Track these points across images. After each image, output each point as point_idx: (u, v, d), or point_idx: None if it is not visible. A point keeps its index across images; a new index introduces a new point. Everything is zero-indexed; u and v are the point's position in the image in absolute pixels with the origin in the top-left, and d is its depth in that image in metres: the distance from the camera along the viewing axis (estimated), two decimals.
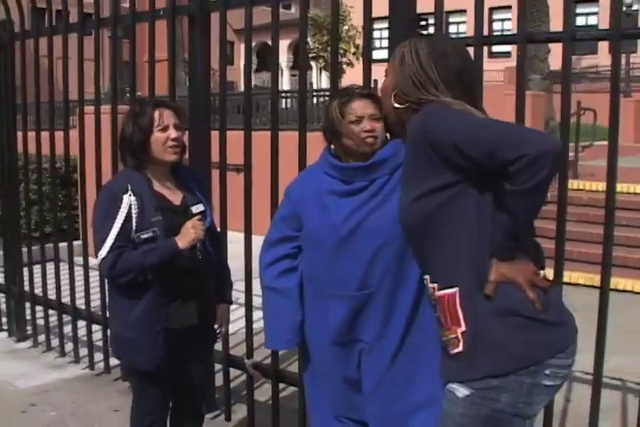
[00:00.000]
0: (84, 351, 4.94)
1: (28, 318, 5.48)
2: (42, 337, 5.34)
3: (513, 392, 1.97)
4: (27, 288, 5.44)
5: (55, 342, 5.19)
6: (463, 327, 2.00)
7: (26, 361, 5.10)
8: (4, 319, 5.68)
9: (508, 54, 23.55)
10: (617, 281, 7.21)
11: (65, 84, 4.72)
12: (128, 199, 2.84)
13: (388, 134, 2.78)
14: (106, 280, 3.36)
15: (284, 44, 24.45)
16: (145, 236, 2.85)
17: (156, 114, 2.87)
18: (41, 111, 5.04)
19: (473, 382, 1.98)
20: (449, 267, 2.06)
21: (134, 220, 2.83)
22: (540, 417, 2.61)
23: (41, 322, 5.31)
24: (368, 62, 3.38)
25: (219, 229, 3.41)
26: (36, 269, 5.29)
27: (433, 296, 2.14)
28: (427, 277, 2.22)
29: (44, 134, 4.97)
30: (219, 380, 4.12)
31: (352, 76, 17.33)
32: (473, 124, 2.00)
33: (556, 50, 2.92)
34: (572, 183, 8.81)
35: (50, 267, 5.11)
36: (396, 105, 2.32)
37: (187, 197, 3.00)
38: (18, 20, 5.11)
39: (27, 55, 5.12)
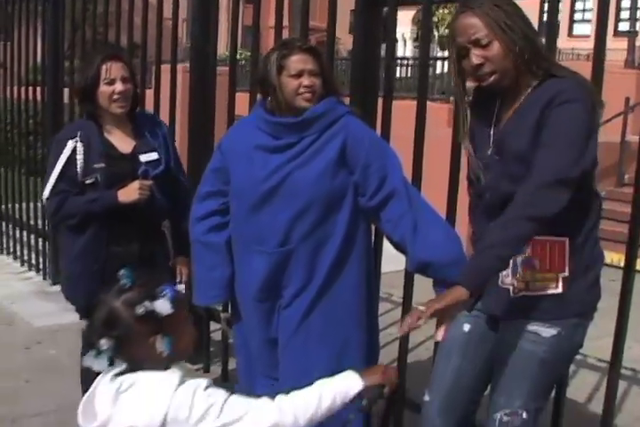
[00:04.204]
0: None
1: None
2: None
3: (583, 331, 2.29)
4: None
5: None
6: (566, 273, 2.21)
7: (51, 302, 5.36)
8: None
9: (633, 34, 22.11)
10: None
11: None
12: (72, 144, 2.97)
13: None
14: None
15: (407, 16, 24.14)
16: (88, 181, 2.97)
17: (104, 67, 2.95)
18: None
19: (560, 320, 2.22)
20: (563, 220, 2.15)
21: (79, 165, 2.96)
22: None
23: None
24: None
25: None
26: None
27: None
28: None
29: None
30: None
31: None
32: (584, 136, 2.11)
33: None
34: None
35: None
36: (515, 66, 2.18)
37: (138, 145, 3.08)
38: None
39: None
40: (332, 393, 1.77)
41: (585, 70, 2.37)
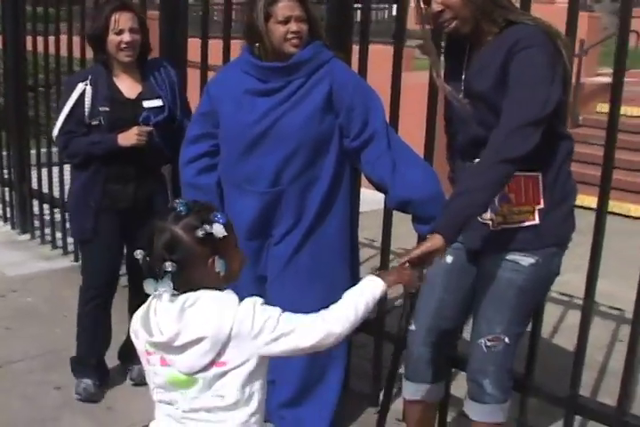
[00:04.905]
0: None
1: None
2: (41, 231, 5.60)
3: (559, 260, 2.42)
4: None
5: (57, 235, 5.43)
6: (542, 205, 2.33)
7: (21, 251, 5.41)
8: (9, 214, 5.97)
9: None
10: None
11: None
12: (82, 87, 3.14)
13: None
14: None
15: None
16: (93, 123, 3.13)
17: (113, 18, 3.07)
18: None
19: (538, 250, 2.35)
20: (533, 158, 2.21)
21: (86, 107, 3.12)
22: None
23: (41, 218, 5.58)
24: None
25: None
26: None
27: None
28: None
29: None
30: None
31: None
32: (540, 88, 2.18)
33: None
34: (603, 107, 8.58)
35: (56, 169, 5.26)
36: (474, 15, 2.25)
37: (144, 91, 3.21)
38: None
39: None
40: (364, 300, 1.91)
41: (537, 13, 2.43)
